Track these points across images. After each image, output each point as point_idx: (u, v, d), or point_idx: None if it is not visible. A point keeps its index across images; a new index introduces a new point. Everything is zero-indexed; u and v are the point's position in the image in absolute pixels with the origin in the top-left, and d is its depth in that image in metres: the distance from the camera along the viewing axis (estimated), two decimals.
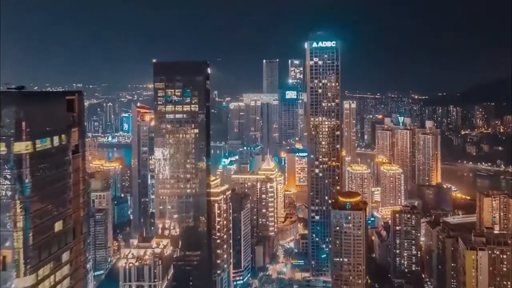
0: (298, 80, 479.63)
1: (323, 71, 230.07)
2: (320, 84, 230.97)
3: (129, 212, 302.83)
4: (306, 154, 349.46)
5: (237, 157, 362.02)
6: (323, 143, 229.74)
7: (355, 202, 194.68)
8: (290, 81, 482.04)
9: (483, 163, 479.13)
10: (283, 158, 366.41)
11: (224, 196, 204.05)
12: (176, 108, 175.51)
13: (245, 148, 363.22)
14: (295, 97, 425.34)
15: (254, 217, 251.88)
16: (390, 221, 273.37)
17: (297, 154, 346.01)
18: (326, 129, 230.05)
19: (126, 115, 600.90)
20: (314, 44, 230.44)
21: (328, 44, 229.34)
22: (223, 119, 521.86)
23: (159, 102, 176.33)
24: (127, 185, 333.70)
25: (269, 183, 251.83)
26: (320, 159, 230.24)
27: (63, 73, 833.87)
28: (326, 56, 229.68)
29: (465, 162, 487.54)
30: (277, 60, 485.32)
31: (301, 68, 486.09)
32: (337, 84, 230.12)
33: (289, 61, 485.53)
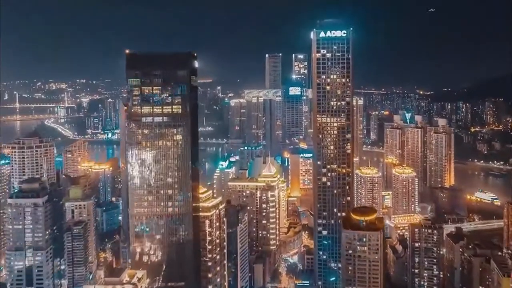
0: (302, 76, 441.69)
1: (332, 65, 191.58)
2: (328, 80, 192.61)
3: (119, 218, 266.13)
4: (311, 155, 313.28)
5: (237, 157, 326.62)
6: (331, 147, 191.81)
7: (370, 220, 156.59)
8: (293, 76, 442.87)
9: (495, 161, 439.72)
10: (286, 159, 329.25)
11: (217, 211, 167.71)
12: (154, 110, 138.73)
13: (245, 148, 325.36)
14: (299, 93, 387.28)
15: (254, 229, 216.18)
16: (407, 235, 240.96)
17: (302, 155, 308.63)
18: (335, 132, 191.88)
19: None
20: (322, 34, 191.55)
21: (338, 33, 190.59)
22: (225, 116, 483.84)
23: (134, 102, 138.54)
24: (121, 187, 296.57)
25: (270, 192, 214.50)
26: (328, 166, 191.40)
27: (67, 68, 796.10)
28: (335, 47, 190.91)
29: (476, 160, 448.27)
30: (280, 54, 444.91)
31: (306, 63, 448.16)
32: (348, 80, 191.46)
33: (293, 55, 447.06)
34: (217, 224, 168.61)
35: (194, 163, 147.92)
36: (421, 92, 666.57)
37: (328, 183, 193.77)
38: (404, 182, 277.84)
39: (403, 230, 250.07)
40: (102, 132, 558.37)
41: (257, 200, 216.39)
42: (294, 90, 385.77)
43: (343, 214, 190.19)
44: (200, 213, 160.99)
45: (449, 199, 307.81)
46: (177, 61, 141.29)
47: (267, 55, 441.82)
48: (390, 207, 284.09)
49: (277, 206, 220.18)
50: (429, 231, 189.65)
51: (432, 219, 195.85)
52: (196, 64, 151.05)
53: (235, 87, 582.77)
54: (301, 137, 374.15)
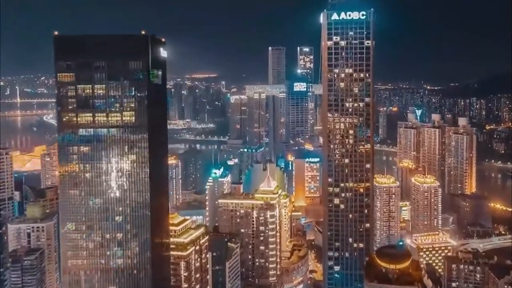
0: (308, 70, 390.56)
1: (347, 55, 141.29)
2: (343, 75, 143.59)
3: None
4: (318, 159, 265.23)
5: (236, 160, 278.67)
6: (346, 160, 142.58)
7: (403, 268, 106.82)
8: (298, 71, 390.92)
9: None
10: (290, 162, 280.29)
11: (197, 247, 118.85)
12: (96, 118, 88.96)
13: (245, 150, 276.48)
14: (305, 89, 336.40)
15: (249, 256, 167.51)
16: (431, 258, 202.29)
17: (307, 159, 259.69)
18: (351, 141, 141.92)
19: None
20: (335, 16, 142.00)
21: (356, 15, 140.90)
22: (227, 113, 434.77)
23: (66, 107, 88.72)
24: None
25: (270, 211, 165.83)
26: (342, 184, 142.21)
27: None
28: (351, 33, 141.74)
29: (493, 161, 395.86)
30: (284, 48, 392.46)
31: (311, 57, 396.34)
32: (367, 75, 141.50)
33: (298, 48, 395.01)
34: (197, 264, 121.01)
35: (160, 191, 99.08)
36: (429, 87, 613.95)
37: (342, 206, 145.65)
38: (426, 193, 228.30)
39: (428, 254, 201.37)
40: None
41: (253, 221, 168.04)
42: (299, 86, 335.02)
43: (360, 245, 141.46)
44: (174, 253, 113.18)
45: (472, 208, 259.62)
46: (131, 47, 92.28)
47: (270, 48, 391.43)
48: (408, 221, 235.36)
49: (278, 228, 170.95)
50: (471, 267, 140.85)
51: (474, 254, 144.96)
52: (164, 52, 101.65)
53: (240, 82, 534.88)
54: (306, 137, 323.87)
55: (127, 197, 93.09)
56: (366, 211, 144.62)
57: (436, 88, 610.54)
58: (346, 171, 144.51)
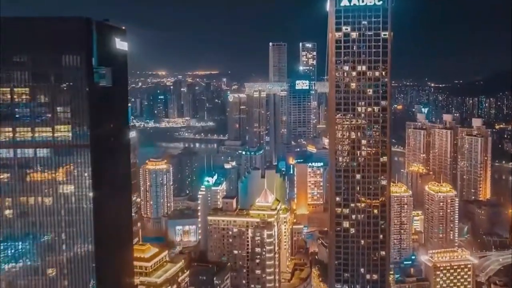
0: (311, 67, 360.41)
1: (360, 49, 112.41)
2: (354, 74, 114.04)
3: None
4: (322, 164, 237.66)
5: (234, 163, 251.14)
6: (358, 176, 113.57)
7: None
8: (301, 68, 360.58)
9: None
10: (291, 166, 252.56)
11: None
12: (18, 133, 59.40)
13: (244, 153, 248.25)
14: (307, 87, 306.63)
15: (243, 281, 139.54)
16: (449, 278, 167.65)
17: (310, 164, 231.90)
18: (364, 152, 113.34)
19: None
20: (345, 2, 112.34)
21: (370, 1, 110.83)
22: (226, 112, 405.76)
23: None
24: None
25: (267, 230, 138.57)
26: (353, 205, 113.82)
27: None
28: (365, 23, 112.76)
29: (503, 162, 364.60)
30: (286, 44, 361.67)
31: (314, 53, 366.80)
32: (384, 73, 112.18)
33: (300, 44, 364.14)
34: None
35: (115, 231, 71.08)
36: (433, 85, 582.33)
37: (352, 230, 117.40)
38: (441, 203, 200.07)
39: (446, 273, 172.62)
40: None
41: (248, 241, 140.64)
42: (301, 84, 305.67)
43: (374, 276, 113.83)
44: None
45: (487, 216, 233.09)
46: (67, 36, 63.87)
47: (270, 44, 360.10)
48: (421, 232, 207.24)
49: (276, 249, 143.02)
50: None
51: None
52: (122, 44, 73.28)
53: (243, 79, 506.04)
54: (309, 138, 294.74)
55: (61, 245, 65.23)
56: (381, 236, 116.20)
57: (441, 85, 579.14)
58: (358, 188, 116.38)
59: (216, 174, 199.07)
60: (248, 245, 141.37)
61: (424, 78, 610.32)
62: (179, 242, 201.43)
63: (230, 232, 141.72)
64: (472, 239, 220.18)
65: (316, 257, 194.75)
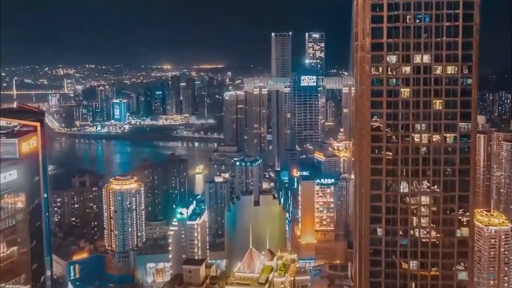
0: (318, 60, 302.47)
1: (420, 22, 53.12)
2: (407, 70, 54.62)
3: None
4: (333, 180, 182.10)
5: (227, 175, 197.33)
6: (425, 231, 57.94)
7: None
8: (307, 61, 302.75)
9: None
10: (295, 179, 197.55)
11: None
12: None
13: (239, 163, 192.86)
14: (314, 84, 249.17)
15: None
16: None
17: (318, 181, 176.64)
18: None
19: (118, 100, 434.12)
20: None
21: None
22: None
23: None
24: None
25: None
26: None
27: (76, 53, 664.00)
28: None
29: None
30: (290, 33, 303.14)
31: (322, 44, 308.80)
32: (466, 70, 52.86)
33: (306, 34, 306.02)
34: None
35: None
36: None
37: None
38: (493, 240, 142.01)
39: None
40: (91, 124, 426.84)
41: None
42: (307, 80, 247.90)
43: None
44: None
45: None
46: None
47: (273, 34, 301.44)
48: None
49: None
50: None
51: None
52: None
53: (248, 73, 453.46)
54: (317, 142, 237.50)
55: None
56: None
57: None
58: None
59: (194, 202, 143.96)
60: None
61: None
62: (151, 284, 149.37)
63: None
64: None
65: None
